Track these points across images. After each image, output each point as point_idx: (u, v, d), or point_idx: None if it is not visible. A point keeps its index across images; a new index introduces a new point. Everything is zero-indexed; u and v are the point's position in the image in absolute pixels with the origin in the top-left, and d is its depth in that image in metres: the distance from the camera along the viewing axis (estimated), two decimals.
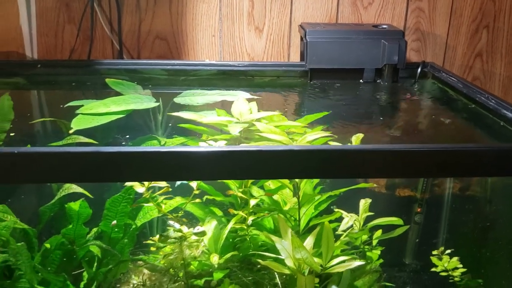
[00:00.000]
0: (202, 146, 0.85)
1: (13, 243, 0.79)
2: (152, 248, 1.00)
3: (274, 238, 0.87)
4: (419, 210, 1.30)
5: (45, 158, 0.72)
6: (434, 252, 1.09)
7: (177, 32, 1.52)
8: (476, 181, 1.31)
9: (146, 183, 0.89)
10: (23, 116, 1.12)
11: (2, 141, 1.01)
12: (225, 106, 1.24)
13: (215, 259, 0.95)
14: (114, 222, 0.89)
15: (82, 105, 1.16)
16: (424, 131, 1.15)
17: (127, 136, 1.14)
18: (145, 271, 1.04)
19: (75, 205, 0.90)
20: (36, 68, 1.33)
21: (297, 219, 0.96)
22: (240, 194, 0.93)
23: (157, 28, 1.51)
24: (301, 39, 1.45)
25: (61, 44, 1.49)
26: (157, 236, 0.97)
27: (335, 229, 1.03)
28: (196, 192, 1.00)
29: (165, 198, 1.01)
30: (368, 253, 1.03)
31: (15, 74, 1.33)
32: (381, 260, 1.01)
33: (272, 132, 1.02)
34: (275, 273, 0.97)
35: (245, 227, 0.94)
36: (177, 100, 1.26)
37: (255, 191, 0.99)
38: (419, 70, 1.44)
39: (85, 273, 0.89)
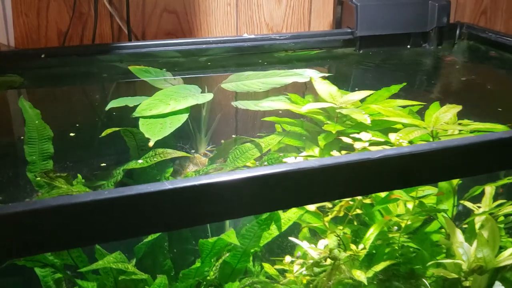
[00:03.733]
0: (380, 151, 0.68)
1: None
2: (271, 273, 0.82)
3: (456, 240, 0.73)
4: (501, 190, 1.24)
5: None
6: None
7: (188, 2, 1.27)
8: None
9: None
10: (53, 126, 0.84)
11: (52, 168, 0.74)
12: (289, 89, 1.05)
13: (363, 278, 0.79)
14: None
15: (126, 105, 0.91)
16: None
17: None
18: None
19: (211, 240, 0.68)
20: (38, 59, 1.01)
21: (451, 216, 0.83)
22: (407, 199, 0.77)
23: None
24: (339, 3, 1.29)
25: (45, 26, 1.16)
26: (288, 258, 0.78)
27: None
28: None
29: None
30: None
31: (8, 68, 1.01)
32: None
33: (395, 115, 0.87)
34: (425, 281, 0.84)
35: (398, 234, 0.79)
36: (225, 86, 1.04)
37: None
38: (457, 31, 1.36)
39: None
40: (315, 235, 0.86)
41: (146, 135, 0.78)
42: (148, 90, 1.04)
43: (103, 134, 0.75)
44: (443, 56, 1.30)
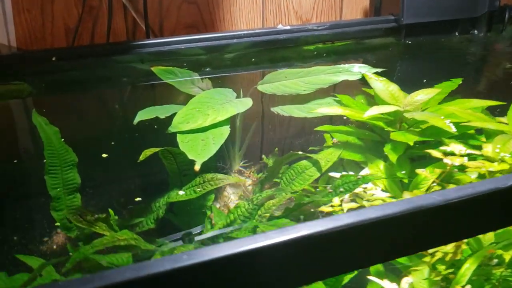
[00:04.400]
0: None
1: None
2: None
3: None
4: None
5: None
6: None
7: None
8: None
9: None
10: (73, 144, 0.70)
11: (80, 204, 0.61)
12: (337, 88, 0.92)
13: None
14: None
15: (156, 117, 0.77)
16: None
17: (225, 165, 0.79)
18: None
19: None
20: (47, 63, 0.87)
21: None
22: None
23: None
24: None
25: (51, 22, 1.02)
26: None
27: None
28: None
29: None
30: None
31: (12, 74, 0.87)
32: None
33: (476, 119, 0.74)
34: None
35: (501, 269, 0.67)
36: (262, 87, 0.90)
37: None
38: (506, 15, 1.22)
39: None
40: (389, 267, 0.74)
41: (190, 156, 0.65)
42: (175, 95, 0.91)
43: (142, 157, 0.62)
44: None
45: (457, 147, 0.65)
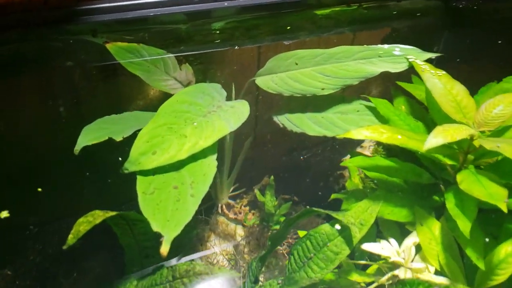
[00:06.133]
0: None
1: None
2: None
3: None
4: None
5: None
6: None
7: None
8: None
9: None
10: None
11: None
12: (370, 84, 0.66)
13: None
14: None
15: (109, 138, 0.51)
16: None
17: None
18: None
19: None
20: None
21: None
22: None
23: None
24: None
25: None
26: None
27: None
28: None
29: None
30: None
31: None
32: None
33: None
34: None
35: None
36: (262, 81, 0.61)
37: None
38: None
39: None
40: None
41: (155, 227, 0.40)
42: (141, 89, 0.65)
43: (70, 240, 0.37)
44: None
45: None
